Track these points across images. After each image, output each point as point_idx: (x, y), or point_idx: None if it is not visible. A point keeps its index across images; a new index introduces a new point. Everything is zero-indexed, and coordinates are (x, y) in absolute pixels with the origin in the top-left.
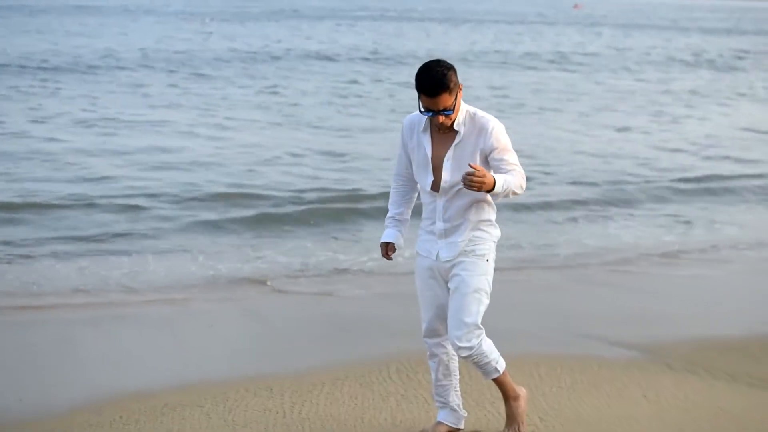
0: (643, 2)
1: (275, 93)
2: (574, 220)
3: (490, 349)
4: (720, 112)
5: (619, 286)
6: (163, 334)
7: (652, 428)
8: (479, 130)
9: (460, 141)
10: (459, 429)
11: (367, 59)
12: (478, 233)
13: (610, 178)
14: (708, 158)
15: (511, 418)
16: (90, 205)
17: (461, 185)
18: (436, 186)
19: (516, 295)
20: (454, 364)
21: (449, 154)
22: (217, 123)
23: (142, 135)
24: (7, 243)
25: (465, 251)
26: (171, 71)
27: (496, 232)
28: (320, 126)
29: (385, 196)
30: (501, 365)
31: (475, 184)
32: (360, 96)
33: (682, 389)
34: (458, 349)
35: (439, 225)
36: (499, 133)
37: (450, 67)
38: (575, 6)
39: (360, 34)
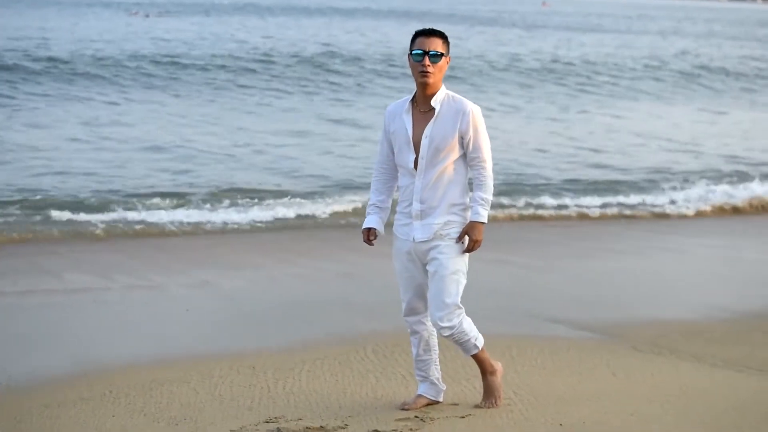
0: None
1: None
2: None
3: (470, 327)
4: None
5: (583, 270)
6: (143, 316)
7: (622, 403)
8: (456, 111)
9: (436, 118)
10: (438, 401)
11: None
12: (452, 217)
13: None
14: None
15: (488, 391)
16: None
17: (438, 165)
18: (416, 163)
19: (485, 278)
20: (434, 340)
21: (427, 131)
22: None
23: None
24: None
25: (440, 234)
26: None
27: (469, 216)
28: None
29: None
30: (480, 342)
31: (476, 248)
32: None
33: (648, 369)
34: (440, 329)
35: (416, 206)
36: (476, 116)
37: (447, 35)
38: (543, 4)
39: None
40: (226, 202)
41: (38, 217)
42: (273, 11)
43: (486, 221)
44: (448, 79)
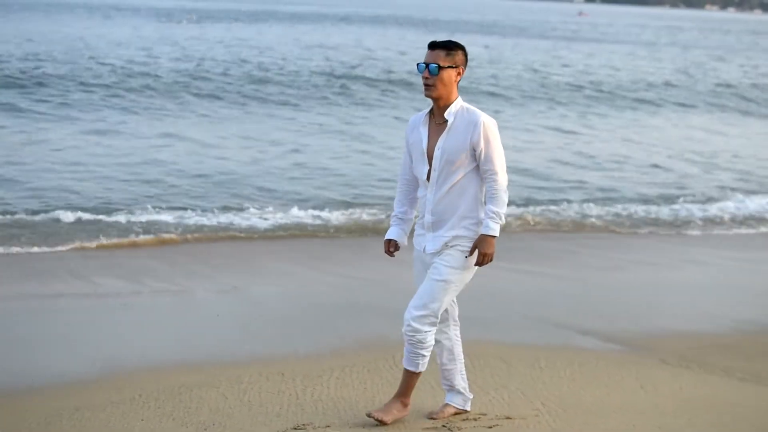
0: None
1: None
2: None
3: (428, 345)
4: None
5: (613, 281)
6: (173, 320)
7: (649, 416)
8: (468, 122)
9: (449, 130)
10: (466, 411)
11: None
12: (462, 231)
13: None
14: None
15: (389, 408)
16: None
17: (450, 177)
18: (429, 175)
19: (515, 289)
20: (458, 349)
21: (439, 143)
22: None
23: None
24: None
25: (449, 246)
26: None
27: (480, 230)
28: None
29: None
30: (422, 366)
31: (486, 262)
32: None
33: (677, 382)
34: (406, 323)
35: (428, 217)
36: (487, 128)
37: (461, 46)
38: (580, 13)
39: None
40: (257, 208)
41: (69, 222)
42: (300, 18)
43: (497, 235)
44: (485, 94)
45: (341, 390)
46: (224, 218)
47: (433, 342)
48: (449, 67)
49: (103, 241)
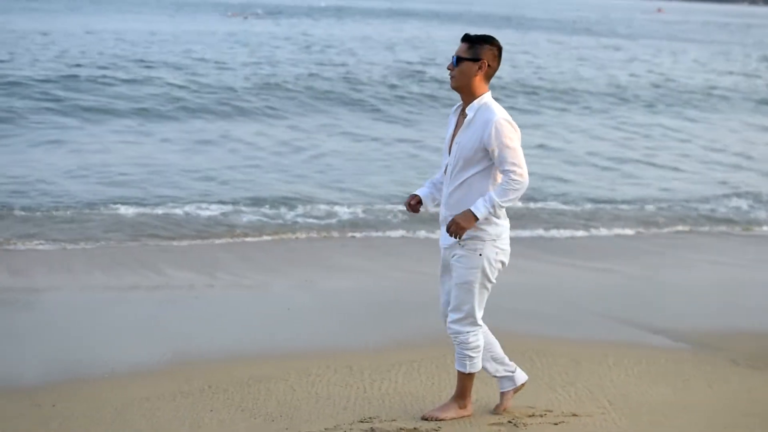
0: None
1: None
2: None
3: (474, 346)
4: None
5: (685, 280)
6: (244, 313)
7: (717, 415)
8: (484, 120)
9: (466, 125)
10: (521, 385)
11: None
12: (472, 230)
13: None
14: None
15: (445, 407)
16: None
17: (464, 173)
18: (447, 169)
19: (588, 286)
20: (486, 337)
21: (458, 137)
22: None
23: None
24: None
25: (460, 243)
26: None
27: (493, 231)
28: None
29: None
30: (473, 367)
31: (451, 232)
32: None
33: (746, 383)
34: (447, 327)
35: (443, 211)
36: (499, 127)
37: (489, 40)
38: (658, 10)
39: None
40: (327, 204)
41: (144, 215)
42: (375, 13)
43: (479, 217)
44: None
45: (408, 384)
46: (298, 214)
47: (479, 343)
48: (469, 59)
49: (179, 234)
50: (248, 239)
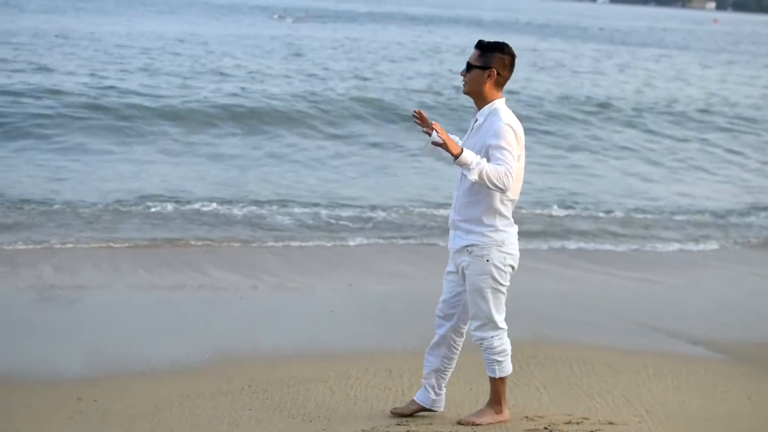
0: None
1: None
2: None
3: (500, 349)
4: None
5: (727, 292)
6: (287, 315)
7: (755, 427)
8: (491, 125)
9: (476, 130)
10: (429, 409)
11: None
12: (477, 236)
13: None
14: None
15: (481, 412)
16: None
17: (468, 182)
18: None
19: (629, 296)
20: (445, 352)
21: (466, 141)
22: None
23: None
24: None
25: (467, 249)
26: None
27: (499, 237)
28: None
29: None
30: (502, 370)
31: (416, 119)
32: None
33: None
34: (473, 336)
35: (452, 215)
36: (501, 131)
37: (500, 48)
38: (715, 21)
39: None
40: (374, 210)
41: (191, 216)
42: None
43: (464, 155)
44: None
45: (448, 389)
46: (342, 218)
47: (505, 346)
48: (479, 67)
49: (224, 236)
50: (293, 242)
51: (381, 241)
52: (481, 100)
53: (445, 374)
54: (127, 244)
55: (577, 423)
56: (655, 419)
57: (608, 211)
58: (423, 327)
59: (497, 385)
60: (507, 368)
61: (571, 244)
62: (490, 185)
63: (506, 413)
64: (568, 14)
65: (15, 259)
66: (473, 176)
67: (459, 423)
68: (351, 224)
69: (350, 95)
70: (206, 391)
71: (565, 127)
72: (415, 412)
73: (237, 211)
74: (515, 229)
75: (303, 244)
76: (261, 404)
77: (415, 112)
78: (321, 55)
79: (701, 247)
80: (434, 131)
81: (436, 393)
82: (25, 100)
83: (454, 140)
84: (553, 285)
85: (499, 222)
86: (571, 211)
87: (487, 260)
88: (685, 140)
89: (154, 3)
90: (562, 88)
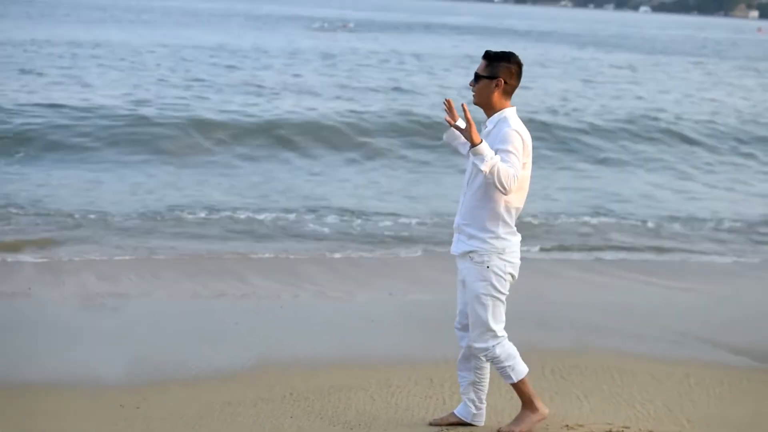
0: None
1: None
2: None
3: (506, 356)
4: None
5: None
6: (328, 323)
7: None
8: (499, 131)
9: (485, 136)
10: (470, 424)
11: None
12: (478, 242)
13: None
14: None
15: (518, 420)
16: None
17: (475, 184)
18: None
19: (672, 305)
20: (479, 363)
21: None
22: None
23: None
24: None
25: (468, 255)
26: None
27: (500, 244)
28: None
29: None
30: (517, 373)
31: (445, 107)
32: None
33: None
34: (474, 348)
35: (457, 219)
36: (508, 136)
37: (507, 57)
38: (759, 30)
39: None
40: (415, 220)
41: (233, 225)
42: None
43: (481, 147)
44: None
45: (489, 398)
46: (384, 227)
47: (510, 351)
48: (485, 77)
49: (266, 246)
50: (333, 252)
51: (422, 251)
52: (490, 110)
53: (482, 385)
54: (168, 254)
55: (618, 431)
56: (697, 428)
57: (648, 222)
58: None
59: (521, 388)
60: (521, 369)
61: (613, 254)
62: (497, 182)
63: (543, 409)
64: (610, 24)
65: (59, 268)
66: (485, 168)
67: (499, 431)
68: (392, 234)
69: (388, 108)
70: (248, 399)
71: (600, 138)
72: (453, 424)
73: (277, 221)
74: (518, 237)
75: (343, 253)
76: (302, 412)
77: (445, 100)
78: (355, 66)
79: (744, 259)
80: (461, 119)
81: (476, 407)
82: (64, 111)
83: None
84: (595, 295)
85: (501, 229)
86: (611, 221)
87: (487, 267)
88: (726, 152)
89: (195, 13)
90: (601, 99)
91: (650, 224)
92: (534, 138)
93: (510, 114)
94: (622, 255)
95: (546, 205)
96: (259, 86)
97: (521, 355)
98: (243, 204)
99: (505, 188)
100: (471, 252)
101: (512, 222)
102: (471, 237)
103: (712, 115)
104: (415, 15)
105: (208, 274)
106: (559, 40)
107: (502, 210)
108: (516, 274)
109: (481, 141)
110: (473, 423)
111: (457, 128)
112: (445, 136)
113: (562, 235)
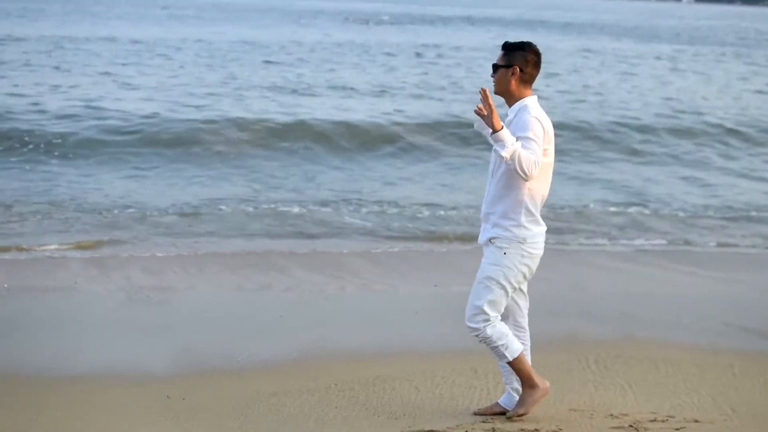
0: None
1: None
2: None
3: (498, 335)
4: None
5: None
6: (373, 315)
7: None
8: (520, 119)
9: (507, 125)
10: (505, 411)
11: None
12: (501, 230)
13: None
14: None
15: (521, 401)
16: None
17: (498, 172)
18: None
19: (715, 295)
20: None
21: None
22: None
23: None
24: None
25: (491, 240)
26: None
27: (520, 233)
28: None
29: None
30: (511, 352)
31: (482, 94)
32: None
33: None
34: (467, 327)
35: (483, 207)
36: (528, 123)
37: (523, 47)
38: None
39: None
40: (459, 211)
41: (274, 219)
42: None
43: (502, 133)
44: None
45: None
46: (428, 220)
47: (502, 329)
48: (503, 66)
49: (310, 238)
50: (377, 245)
51: (465, 243)
52: (510, 99)
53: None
54: (211, 248)
55: (663, 421)
56: (742, 418)
57: (688, 212)
58: None
59: (517, 366)
60: (514, 348)
61: (653, 245)
62: (518, 169)
63: (543, 383)
64: (654, 15)
65: (104, 263)
66: (506, 154)
67: (508, 419)
68: (436, 226)
69: (423, 103)
70: (293, 390)
71: (637, 131)
72: (497, 414)
73: (319, 215)
74: (541, 227)
75: (386, 246)
76: (347, 402)
77: (481, 89)
78: (388, 60)
79: None
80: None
81: (519, 395)
82: (102, 110)
83: (502, 125)
84: (637, 285)
85: (524, 218)
86: (650, 212)
87: (504, 253)
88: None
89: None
90: (638, 90)
91: (689, 215)
92: (570, 129)
93: (530, 102)
94: (662, 246)
95: (584, 195)
96: (297, 82)
97: (565, 346)
98: (283, 198)
99: (525, 174)
100: (493, 238)
101: (536, 211)
102: (495, 225)
103: (751, 107)
104: (455, 8)
105: (251, 267)
106: (599, 31)
107: (525, 198)
108: (533, 268)
109: (502, 127)
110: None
111: (481, 115)
112: (476, 125)
113: (602, 226)
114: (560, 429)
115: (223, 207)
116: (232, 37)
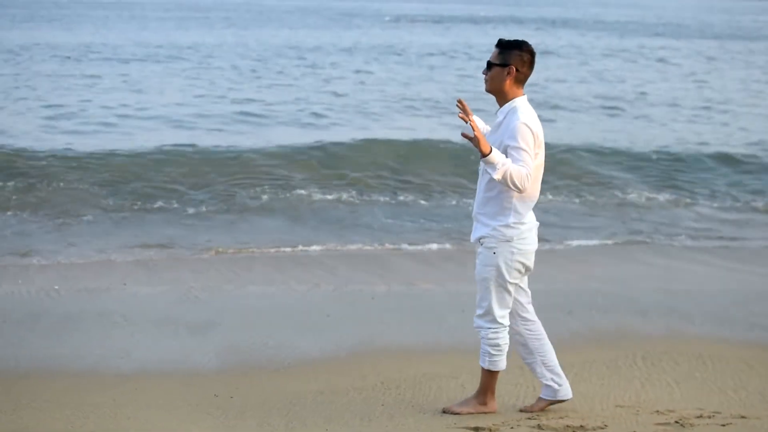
0: None
1: None
2: None
3: (494, 343)
4: None
5: None
6: (420, 313)
7: None
8: (509, 123)
9: (496, 127)
10: (559, 401)
11: None
12: (489, 230)
13: None
14: None
15: (466, 401)
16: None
17: (486, 174)
18: None
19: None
20: (535, 344)
21: (488, 137)
22: None
23: None
24: None
25: (480, 240)
26: None
27: (508, 232)
28: None
29: None
30: (492, 365)
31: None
32: None
33: None
34: (474, 321)
35: (474, 208)
36: (517, 131)
37: (518, 45)
38: None
39: None
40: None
41: (320, 218)
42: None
43: (492, 155)
44: None
45: (578, 385)
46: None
47: (501, 342)
48: (498, 65)
49: (358, 240)
50: (423, 245)
51: None
52: (502, 98)
53: (548, 359)
54: (258, 247)
55: (709, 417)
56: None
57: (732, 210)
58: (554, 324)
59: (486, 377)
60: (499, 364)
61: (698, 242)
62: (511, 185)
63: (491, 405)
64: (696, 9)
65: (151, 264)
66: (497, 176)
67: (443, 412)
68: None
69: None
70: (340, 388)
71: (670, 130)
72: (544, 408)
73: (369, 217)
74: (530, 226)
75: (433, 245)
76: (393, 400)
77: (458, 100)
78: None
79: None
80: (470, 125)
81: (558, 383)
82: (137, 116)
83: (490, 148)
84: (684, 281)
85: (512, 218)
86: (694, 209)
87: (494, 253)
88: None
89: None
90: (673, 85)
91: (734, 212)
92: (602, 129)
93: (520, 104)
94: (706, 242)
95: (624, 193)
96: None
97: (613, 342)
98: (327, 198)
99: (519, 189)
100: (482, 238)
101: (525, 211)
102: (484, 225)
103: None
104: (495, 6)
105: (299, 266)
106: (634, 30)
107: (513, 200)
108: (528, 263)
109: (491, 150)
110: (562, 399)
111: (467, 137)
112: (462, 133)
113: (644, 223)
114: (606, 425)
115: (268, 206)
116: (278, 41)
